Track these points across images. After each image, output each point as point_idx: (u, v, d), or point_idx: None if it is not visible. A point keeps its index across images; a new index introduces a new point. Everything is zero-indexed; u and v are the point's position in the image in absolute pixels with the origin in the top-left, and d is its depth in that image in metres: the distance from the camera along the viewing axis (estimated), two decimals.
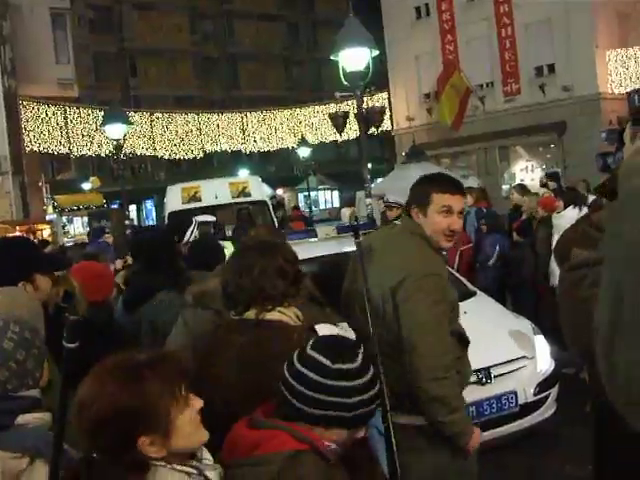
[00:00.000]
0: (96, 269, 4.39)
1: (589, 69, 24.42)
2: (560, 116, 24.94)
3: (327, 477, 1.95)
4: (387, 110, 26.92)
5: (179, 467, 1.78)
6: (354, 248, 5.37)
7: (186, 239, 5.11)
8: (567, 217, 8.19)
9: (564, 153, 25.43)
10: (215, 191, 12.37)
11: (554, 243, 8.24)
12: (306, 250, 5.71)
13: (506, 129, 26.33)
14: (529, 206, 9.39)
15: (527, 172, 27.14)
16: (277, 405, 2.12)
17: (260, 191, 13.00)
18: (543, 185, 12.16)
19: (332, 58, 11.76)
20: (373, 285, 2.96)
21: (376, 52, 11.61)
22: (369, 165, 13.35)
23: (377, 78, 13.47)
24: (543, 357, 5.74)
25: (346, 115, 13.03)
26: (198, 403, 1.84)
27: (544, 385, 5.60)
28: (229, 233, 10.65)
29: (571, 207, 8.43)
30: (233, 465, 1.98)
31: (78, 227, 40.41)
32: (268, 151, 35.93)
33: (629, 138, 1.78)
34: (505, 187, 25.90)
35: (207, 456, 1.91)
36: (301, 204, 38.51)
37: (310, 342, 2.11)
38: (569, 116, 24.79)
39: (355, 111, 12.13)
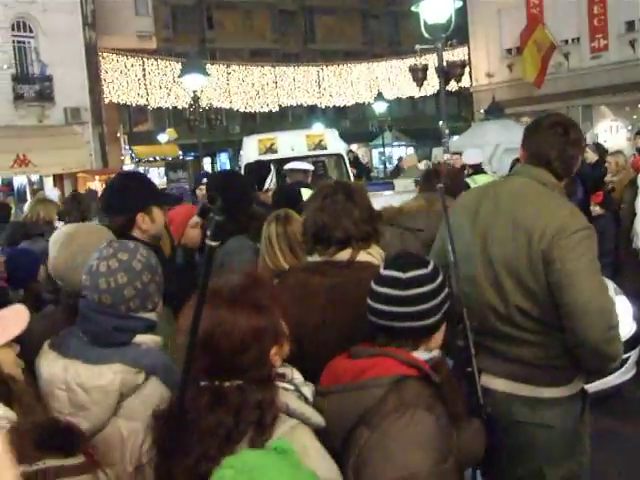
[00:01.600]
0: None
1: None
2: None
3: (431, 401, 1.99)
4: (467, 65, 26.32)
5: (278, 383, 1.88)
6: None
7: (266, 187, 5.11)
8: None
9: None
10: (291, 143, 12.33)
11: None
12: (382, 203, 5.63)
13: (591, 87, 25.34)
14: (617, 165, 9.03)
15: (611, 133, 26.14)
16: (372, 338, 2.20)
17: (336, 144, 12.88)
18: None
19: (413, 9, 11.48)
20: (508, 251, 2.73)
21: (459, 3, 11.29)
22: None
23: (457, 32, 13.10)
24: (624, 318, 5.56)
25: (425, 68, 12.70)
26: None
27: (624, 347, 5.43)
28: None
29: None
30: (337, 390, 2.06)
31: (154, 177, 41.20)
32: (343, 106, 35.71)
33: None
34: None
35: (297, 375, 1.99)
36: (375, 160, 38.24)
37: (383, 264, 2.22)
38: None
39: (435, 64, 11.84)
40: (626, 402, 5.61)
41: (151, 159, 38.48)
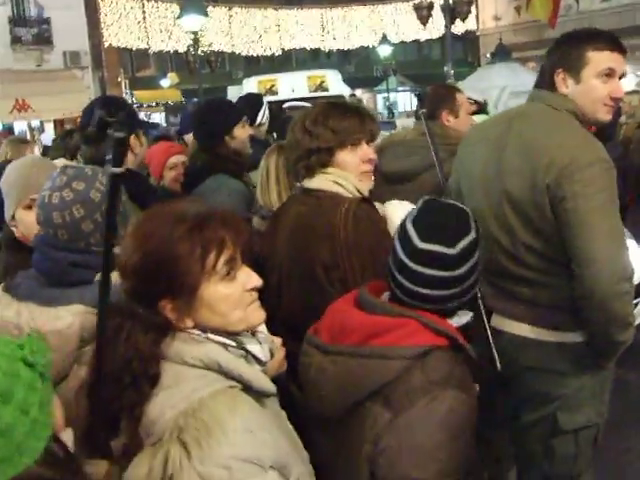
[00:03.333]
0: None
1: None
2: None
3: (463, 377, 1.70)
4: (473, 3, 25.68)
5: (212, 336, 1.53)
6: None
7: (258, 121, 4.80)
8: None
9: None
10: (292, 84, 12.05)
11: None
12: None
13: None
14: (630, 105, 8.78)
15: None
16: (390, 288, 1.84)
17: (338, 86, 12.59)
18: None
19: None
20: (515, 183, 2.44)
21: None
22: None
23: None
24: (634, 262, 5.38)
25: (431, 6, 12.30)
26: (251, 281, 1.55)
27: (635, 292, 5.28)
28: None
29: None
30: (347, 352, 1.72)
31: (156, 121, 40.84)
32: (347, 50, 35.13)
33: None
34: None
35: (261, 328, 1.68)
36: (379, 106, 37.78)
37: (417, 209, 1.79)
38: None
39: (441, 2, 11.46)
40: (631, 349, 5.47)
41: (153, 104, 38.11)
